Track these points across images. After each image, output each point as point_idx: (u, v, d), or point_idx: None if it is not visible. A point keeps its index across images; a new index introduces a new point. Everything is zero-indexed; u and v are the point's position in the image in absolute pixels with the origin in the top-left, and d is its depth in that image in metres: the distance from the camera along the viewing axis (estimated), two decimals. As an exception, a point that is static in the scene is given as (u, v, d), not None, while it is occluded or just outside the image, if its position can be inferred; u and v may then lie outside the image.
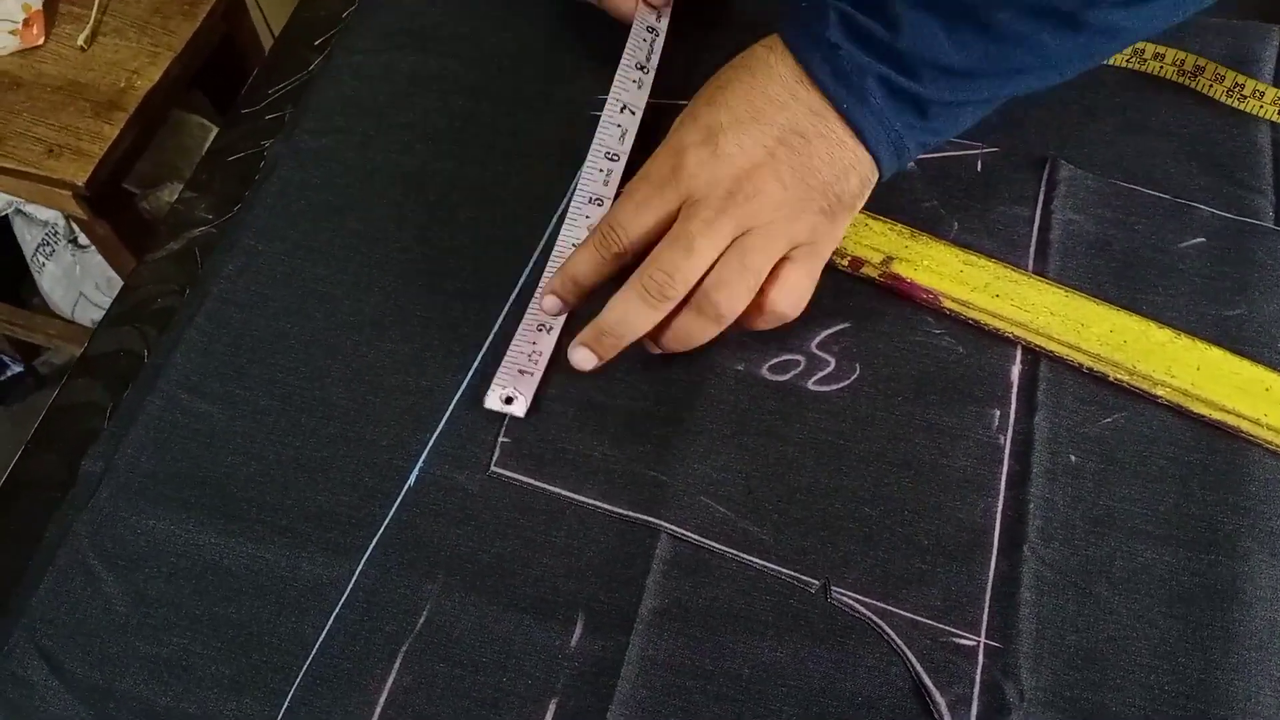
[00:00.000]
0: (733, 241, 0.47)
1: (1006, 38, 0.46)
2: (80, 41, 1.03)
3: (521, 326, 0.52)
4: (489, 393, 0.51)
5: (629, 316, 0.48)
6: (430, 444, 0.50)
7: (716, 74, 0.50)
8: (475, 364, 0.52)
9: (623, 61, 0.58)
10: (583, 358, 0.49)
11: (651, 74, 0.59)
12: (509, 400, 0.50)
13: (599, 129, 0.56)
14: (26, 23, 1.02)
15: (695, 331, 0.48)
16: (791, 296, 0.49)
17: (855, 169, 0.48)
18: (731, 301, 0.47)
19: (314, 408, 0.52)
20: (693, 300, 0.48)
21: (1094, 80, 0.61)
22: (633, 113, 0.57)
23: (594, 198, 0.54)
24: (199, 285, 0.56)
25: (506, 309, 0.54)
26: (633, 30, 0.59)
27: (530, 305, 0.53)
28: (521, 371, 0.51)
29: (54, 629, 0.47)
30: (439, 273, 0.55)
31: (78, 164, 0.98)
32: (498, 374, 0.51)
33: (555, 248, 0.53)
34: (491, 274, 0.55)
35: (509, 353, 0.52)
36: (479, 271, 0.55)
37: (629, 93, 0.58)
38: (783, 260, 0.48)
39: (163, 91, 1.03)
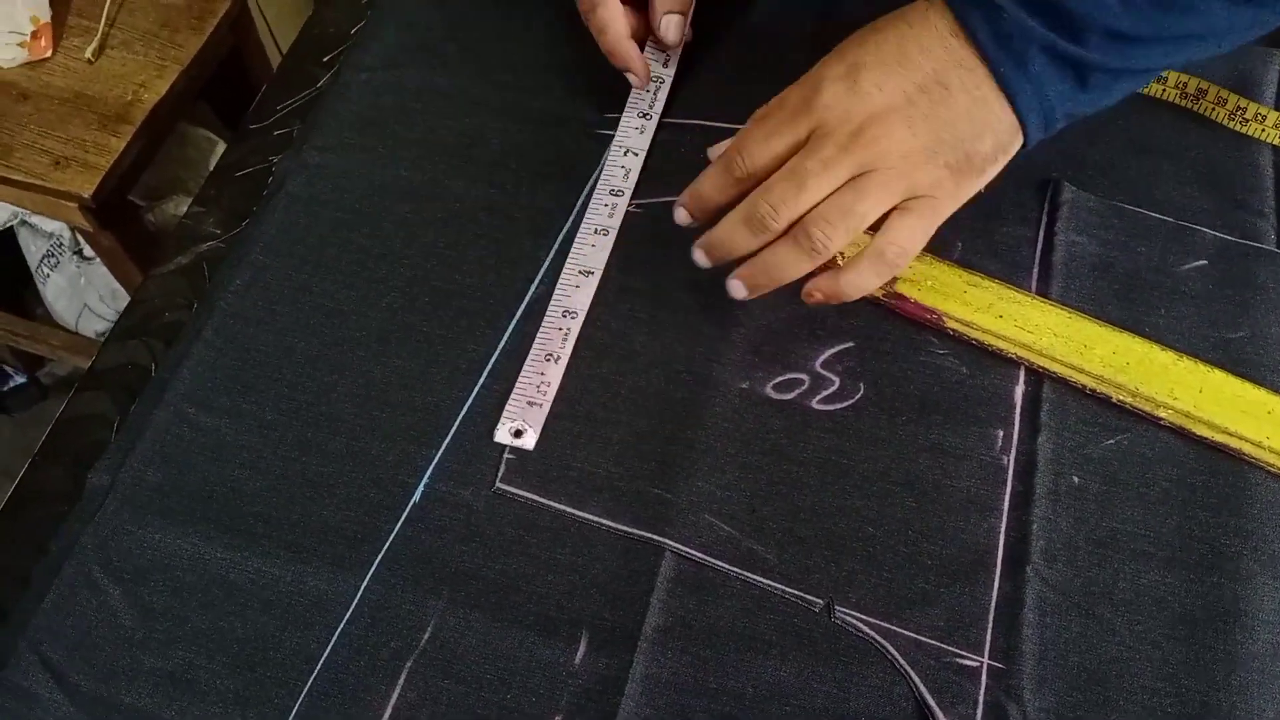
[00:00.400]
0: (849, 180, 0.48)
1: (1179, 3, 0.45)
2: (88, 54, 1.04)
3: (530, 358, 0.53)
4: (499, 426, 0.51)
5: (734, 237, 0.49)
6: (435, 460, 0.51)
7: (871, 23, 0.50)
8: (481, 380, 0.53)
9: (626, 108, 0.60)
10: (700, 256, 0.51)
11: (655, 119, 0.60)
12: (518, 434, 0.51)
13: (604, 168, 0.58)
14: (35, 35, 1.03)
15: (789, 263, 0.49)
16: (896, 244, 0.48)
17: (993, 130, 0.48)
18: (828, 239, 0.47)
19: (320, 423, 0.52)
20: (792, 230, 0.48)
21: (1097, 103, 0.61)
22: (636, 155, 0.59)
23: (600, 229, 0.56)
24: (206, 300, 0.56)
25: (512, 326, 0.54)
26: (622, 119, 0.61)
27: (538, 336, 0.54)
28: (530, 403, 0.52)
29: (58, 641, 0.47)
30: (446, 289, 0.56)
31: (84, 176, 0.99)
32: (506, 407, 0.52)
33: (564, 272, 0.55)
34: (498, 291, 0.55)
35: (518, 385, 0.52)
36: (485, 288, 0.56)
37: (631, 139, 0.59)
38: (895, 209, 0.48)
39: (169, 104, 1.03)
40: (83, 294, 1.37)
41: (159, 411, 0.52)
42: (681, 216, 0.52)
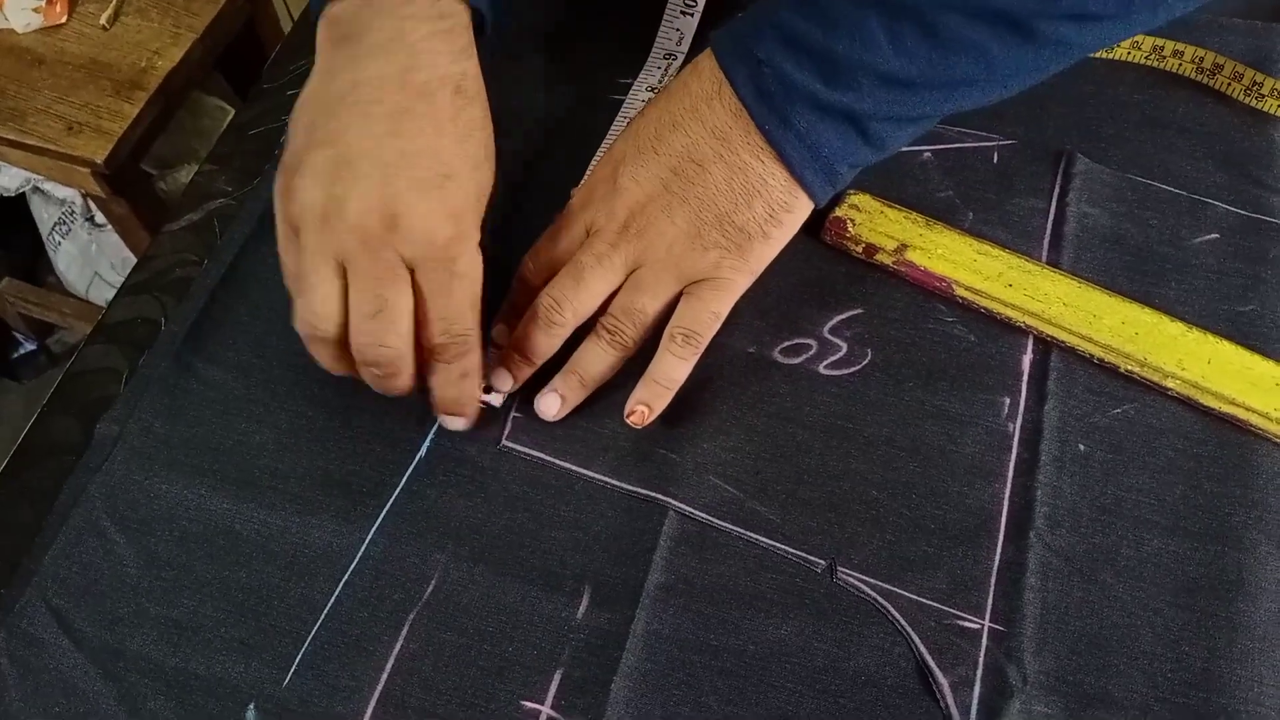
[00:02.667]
0: (629, 275, 0.49)
1: (952, 44, 0.43)
2: (103, 21, 1.04)
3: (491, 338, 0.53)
4: None
5: (531, 335, 0.50)
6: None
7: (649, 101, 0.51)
8: (501, 313, 0.52)
9: (635, 84, 0.60)
10: (499, 378, 0.51)
11: (680, 59, 0.59)
12: (487, 390, 0.51)
13: (603, 143, 0.58)
14: (50, 1, 1.03)
15: (595, 358, 0.50)
16: (684, 328, 0.49)
17: (760, 194, 0.47)
18: (624, 332, 0.49)
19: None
20: (594, 329, 0.50)
21: (1112, 76, 0.61)
22: (653, 93, 0.58)
23: None
24: (217, 256, 0.56)
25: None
26: (650, 56, 0.61)
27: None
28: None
29: (65, 589, 0.47)
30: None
31: (97, 141, 0.99)
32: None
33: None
34: (503, 250, 0.55)
35: (488, 352, 0.52)
36: (534, 210, 0.55)
37: (654, 75, 0.59)
38: (684, 292, 0.49)
39: (184, 72, 1.03)
40: (94, 262, 1.37)
41: (168, 365, 0.53)
42: (499, 333, 0.52)
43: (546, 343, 0.50)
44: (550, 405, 0.50)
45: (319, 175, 0.44)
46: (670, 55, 0.61)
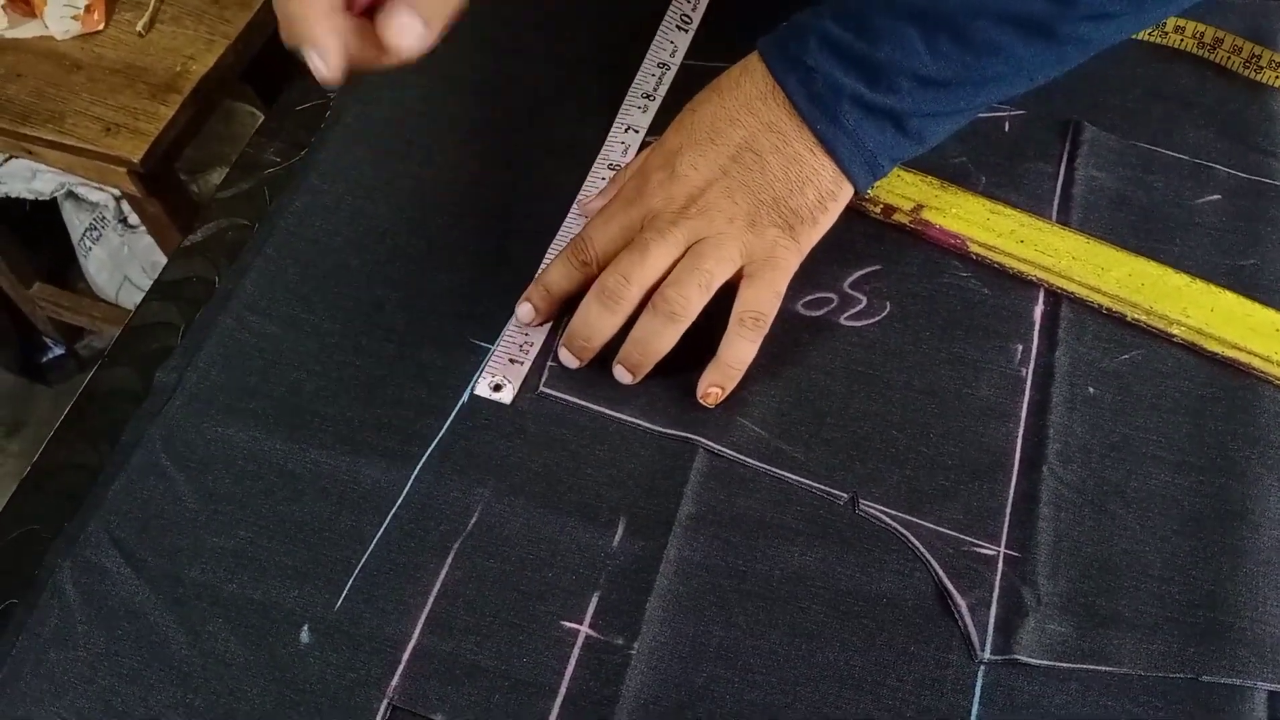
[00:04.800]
0: (688, 249, 0.51)
1: (983, 48, 0.48)
2: (139, 28, 1.07)
3: (514, 319, 0.55)
4: (479, 380, 0.53)
5: (590, 319, 0.52)
6: (484, 365, 0.53)
7: (692, 99, 0.54)
8: (527, 294, 0.55)
9: (630, 90, 0.63)
10: (565, 358, 0.53)
11: (658, 101, 0.63)
12: (498, 388, 0.53)
13: (605, 145, 0.61)
14: (88, 9, 1.07)
15: (653, 332, 0.51)
16: (751, 309, 0.51)
17: (812, 182, 0.51)
18: (683, 299, 0.50)
19: (373, 331, 0.55)
20: (651, 302, 0.51)
21: (1117, 54, 0.63)
22: (636, 132, 0.61)
23: (613, 165, 0.60)
24: (267, 219, 0.59)
25: (552, 247, 0.57)
26: (644, 64, 0.64)
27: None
28: (512, 361, 0.54)
29: (128, 522, 0.50)
30: (490, 213, 0.59)
31: (134, 142, 1.02)
32: (489, 363, 0.54)
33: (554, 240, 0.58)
34: (540, 215, 0.58)
35: (501, 343, 0.54)
36: (529, 212, 0.59)
37: (633, 116, 0.62)
38: (743, 277, 0.52)
39: (217, 76, 1.07)
40: (124, 266, 1.41)
41: (223, 318, 0.55)
42: (525, 312, 0.54)
43: (610, 321, 0.52)
44: (622, 377, 0.52)
45: None
46: (664, 65, 0.64)
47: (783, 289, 0.52)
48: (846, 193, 0.52)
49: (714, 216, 0.51)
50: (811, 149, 0.51)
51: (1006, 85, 0.50)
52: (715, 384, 0.52)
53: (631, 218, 0.53)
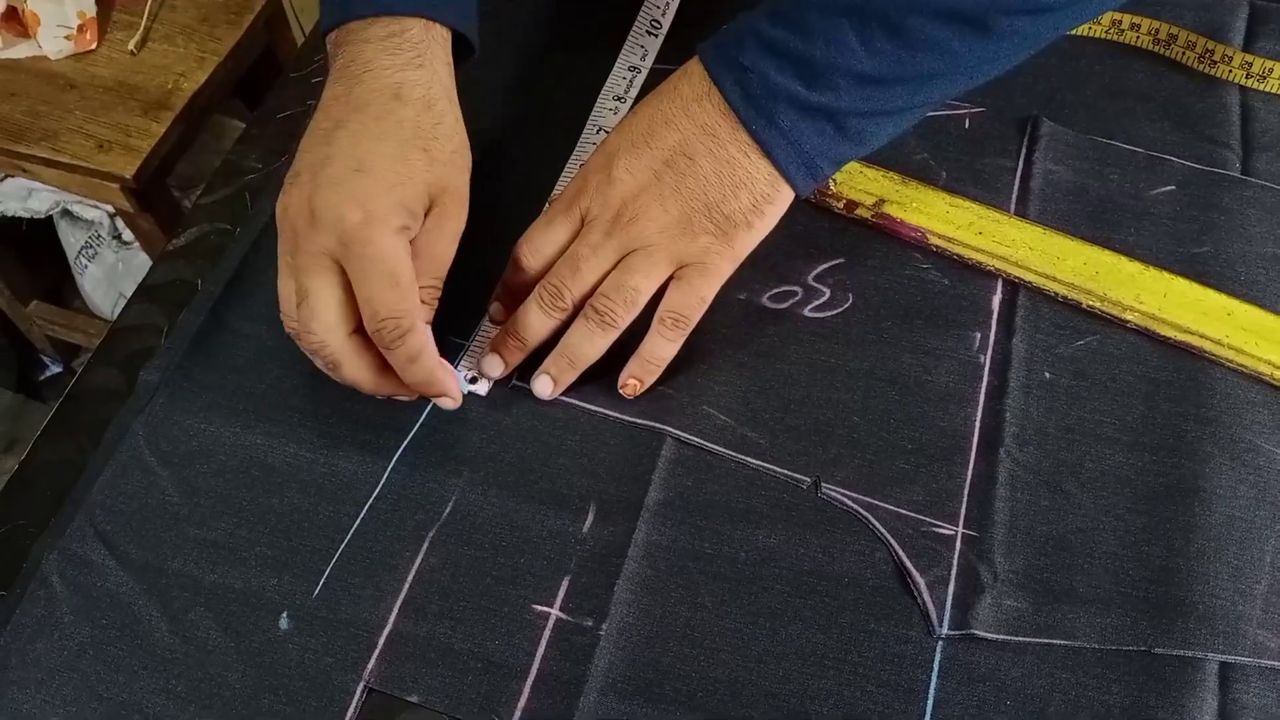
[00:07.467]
0: (620, 260, 0.53)
1: (918, 42, 0.48)
2: (131, 46, 1.09)
3: (488, 316, 0.57)
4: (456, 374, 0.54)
5: (528, 319, 0.53)
6: (459, 359, 0.55)
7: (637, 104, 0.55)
8: (496, 294, 0.57)
9: (602, 93, 0.65)
10: (494, 362, 0.54)
11: (629, 103, 0.65)
12: (473, 380, 0.55)
13: (577, 146, 0.62)
14: (81, 28, 1.08)
15: (584, 339, 0.53)
16: (673, 311, 0.52)
17: (746, 186, 0.51)
18: (611, 312, 0.52)
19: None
20: (582, 312, 0.53)
21: (1074, 51, 0.66)
22: (607, 133, 0.62)
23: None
24: (248, 224, 0.61)
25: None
26: (615, 68, 0.66)
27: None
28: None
29: (112, 515, 0.51)
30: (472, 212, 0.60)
31: (126, 158, 1.04)
32: (463, 359, 0.56)
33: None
34: (512, 216, 0.60)
35: (475, 339, 0.56)
36: (502, 214, 0.60)
37: (604, 118, 0.64)
38: (672, 277, 0.53)
39: (207, 93, 1.09)
40: (119, 283, 1.43)
41: (205, 319, 0.57)
42: (496, 310, 0.56)
43: (543, 325, 0.53)
44: (544, 387, 0.54)
45: (282, 191, 0.50)
46: (634, 69, 0.66)
47: (709, 294, 0.53)
48: (785, 195, 0.52)
49: (645, 226, 0.52)
50: (746, 151, 0.51)
51: (945, 83, 0.50)
52: (634, 376, 0.53)
53: (570, 221, 0.54)
